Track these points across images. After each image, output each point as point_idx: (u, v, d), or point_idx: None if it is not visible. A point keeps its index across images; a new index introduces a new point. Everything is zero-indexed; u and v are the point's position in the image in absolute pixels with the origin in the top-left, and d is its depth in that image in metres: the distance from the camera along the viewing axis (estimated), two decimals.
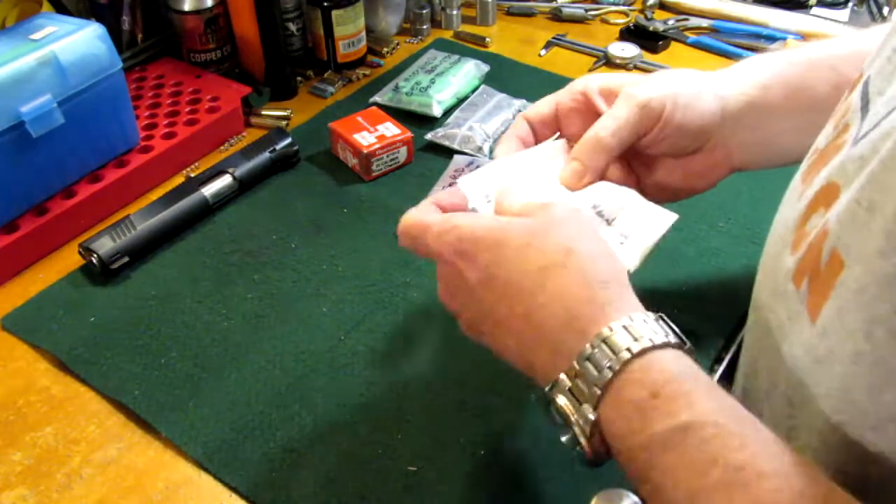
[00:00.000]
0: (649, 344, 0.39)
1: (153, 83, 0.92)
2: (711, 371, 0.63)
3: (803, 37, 1.04)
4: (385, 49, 1.05)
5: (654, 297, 0.68)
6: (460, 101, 0.94)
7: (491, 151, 0.86)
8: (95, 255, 0.71)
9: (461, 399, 0.60)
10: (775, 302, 0.42)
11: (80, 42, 0.74)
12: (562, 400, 0.41)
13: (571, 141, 0.56)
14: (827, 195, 0.39)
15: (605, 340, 0.40)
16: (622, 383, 0.39)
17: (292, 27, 0.98)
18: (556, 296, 0.42)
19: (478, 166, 0.80)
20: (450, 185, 0.79)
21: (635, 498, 0.41)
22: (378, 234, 0.76)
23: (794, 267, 0.40)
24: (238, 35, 0.96)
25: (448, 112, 0.92)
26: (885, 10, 1.10)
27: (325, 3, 0.95)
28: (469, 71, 0.96)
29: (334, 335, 0.66)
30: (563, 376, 0.41)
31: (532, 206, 0.47)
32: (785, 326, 0.40)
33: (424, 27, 1.09)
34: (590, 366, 0.40)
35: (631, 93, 0.53)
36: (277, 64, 0.96)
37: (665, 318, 0.42)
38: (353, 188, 0.83)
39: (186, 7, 0.92)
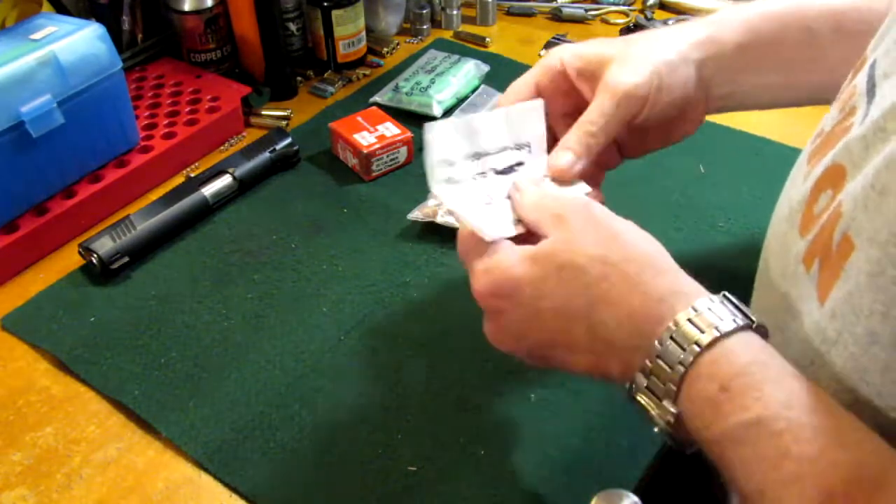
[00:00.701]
0: (717, 334, 0.39)
1: (153, 83, 0.92)
2: None
3: None
4: (385, 49, 1.05)
5: None
6: (460, 101, 0.94)
7: None
8: (95, 255, 0.71)
9: (461, 399, 0.60)
10: (785, 283, 0.42)
11: (80, 42, 0.74)
12: (642, 398, 0.42)
13: (555, 120, 0.57)
14: (833, 176, 0.39)
15: (672, 337, 0.40)
16: (693, 378, 0.39)
17: (292, 27, 0.98)
18: (610, 308, 0.43)
19: None
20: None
21: (635, 498, 0.41)
22: (378, 234, 0.76)
23: (805, 249, 0.40)
24: (238, 35, 0.96)
25: (448, 112, 0.92)
26: None
27: (325, 3, 0.96)
28: (469, 71, 0.96)
29: (334, 335, 0.66)
30: (639, 375, 0.41)
31: (548, 218, 0.47)
32: (794, 307, 0.41)
33: (424, 27, 1.09)
34: (662, 363, 0.40)
35: (614, 83, 0.53)
36: (277, 64, 0.96)
37: (729, 296, 0.42)
38: (353, 188, 0.83)
39: (186, 7, 0.92)
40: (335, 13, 0.96)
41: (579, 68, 0.56)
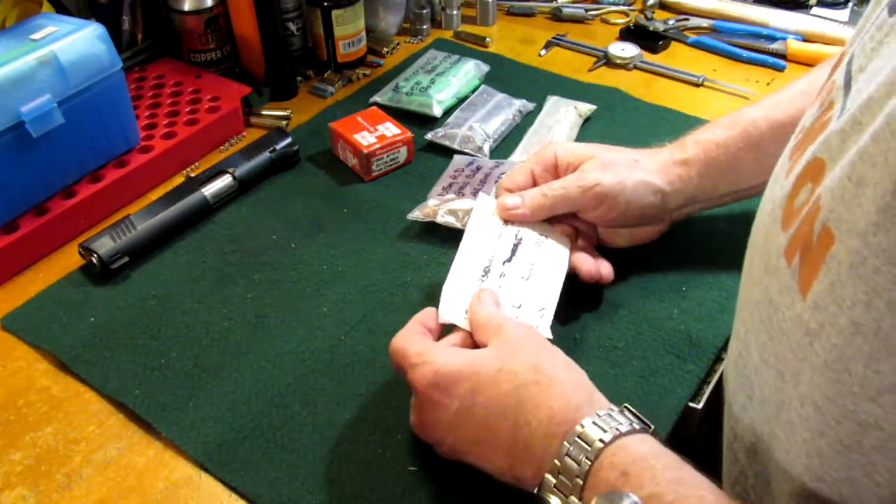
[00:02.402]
0: (617, 433, 0.45)
1: (153, 83, 0.92)
2: (713, 371, 0.63)
3: (803, 37, 1.04)
4: (385, 49, 1.05)
5: (654, 298, 0.68)
6: (460, 101, 0.94)
7: (491, 152, 0.86)
8: (95, 255, 0.71)
9: None
10: (766, 277, 0.43)
11: (80, 42, 0.74)
12: (552, 497, 0.46)
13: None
14: (813, 170, 0.39)
15: (579, 436, 0.46)
16: (597, 469, 0.44)
17: (292, 27, 0.98)
18: (535, 410, 0.48)
19: (478, 167, 0.80)
20: (449, 185, 0.79)
21: (635, 498, 0.41)
22: (378, 234, 0.76)
23: (786, 243, 0.40)
24: (238, 35, 0.96)
25: (448, 112, 0.92)
26: None
27: (325, 3, 0.96)
28: (469, 71, 0.96)
29: (334, 335, 0.66)
30: (548, 476, 0.46)
31: (492, 325, 0.54)
32: (775, 301, 0.41)
33: (424, 27, 1.09)
34: (569, 461, 0.45)
35: (587, 176, 0.64)
36: (277, 64, 0.96)
37: (629, 407, 0.48)
38: (353, 188, 0.83)
39: (186, 7, 0.92)
40: (335, 13, 0.96)
41: (567, 164, 0.66)
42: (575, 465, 0.45)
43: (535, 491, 0.47)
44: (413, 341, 0.54)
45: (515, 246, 0.64)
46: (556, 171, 0.67)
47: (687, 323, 0.66)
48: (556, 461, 0.46)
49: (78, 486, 0.56)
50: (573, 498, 0.45)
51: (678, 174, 0.66)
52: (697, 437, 0.63)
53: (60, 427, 0.60)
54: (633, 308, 0.67)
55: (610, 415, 0.47)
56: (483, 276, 0.62)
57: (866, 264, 0.33)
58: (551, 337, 0.58)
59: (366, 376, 0.63)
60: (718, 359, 0.64)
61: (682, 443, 0.61)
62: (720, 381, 0.63)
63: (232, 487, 0.55)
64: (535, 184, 0.67)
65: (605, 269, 0.66)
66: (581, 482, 0.44)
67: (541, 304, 0.60)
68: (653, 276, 0.70)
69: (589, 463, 0.44)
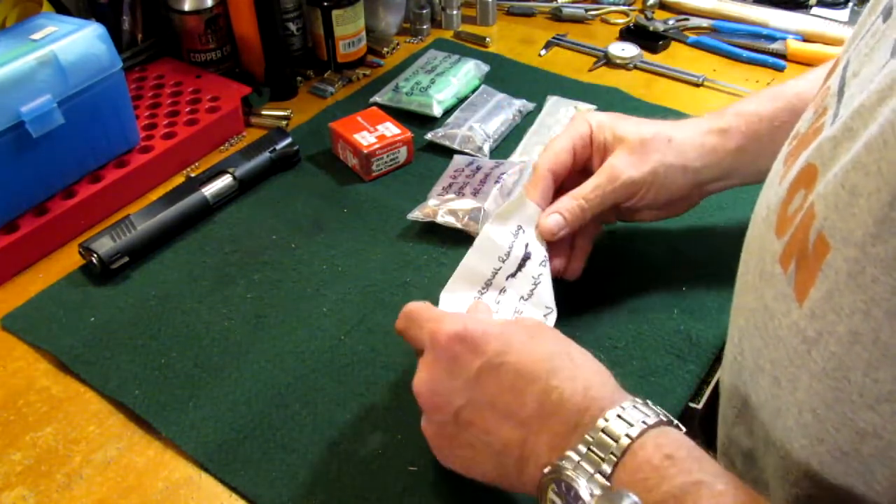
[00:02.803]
0: (661, 419, 0.43)
1: (153, 83, 0.92)
2: (713, 371, 0.63)
3: (803, 37, 1.04)
4: (385, 49, 1.05)
5: (654, 298, 0.68)
6: (460, 101, 0.94)
7: (491, 152, 0.86)
8: (95, 255, 0.71)
9: None
10: (761, 284, 0.43)
11: (80, 42, 0.74)
12: (570, 474, 0.42)
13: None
14: (806, 176, 0.39)
15: (619, 416, 0.43)
16: (638, 448, 0.42)
17: (292, 27, 0.98)
18: (569, 378, 0.46)
19: (478, 167, 0.80)
20: (449, 185, 0.79)
21: (635, 498, 0.41)
22: (378, 234, 0.76)
23: (781, 250, 0.40)
24: (238, 35, 0.96)
25: (448, 112, 0.92)
26: None
27: (325, 3, 0.96)
28: (469, 71, 0.96)
29: (334, 335, 0.66)
30: (570, 452, 0.43)
31: (499, 323, 0.51)
32: (770, 308, 0.41)
33: (424, 27, 1.09)
34: (605, 438, 0.42)
35: (617, 171, 0.61)
36: (277, 64, 0.96)
37: (664, 410, 0.46)
38: (353, 188, 0.83)
39: (186, 7, 0.92)
40: (335, 13, 0.96)
41: (601, 140, 0.64)
42: (612, 442, 0.42)
43: (547, 471, 0.43)
44: (427, 304, 0.53)
45: (523, 262, 0.62)
46: (591, 144, 0.64)
47: (687, 323, 0.66)
48: (587, 436, 0.43)
49: (78, 486, 0.56)
50: (598, 476, 0.41)
51: (713, 147, 0.63)
52: (697, 437, 0.63)
53: (60, 427, 0.60)
54: (633, 308, 0.67)
55: (648, 405, 0.45)
56: (483, 289, 0.61)
57: (865, 274, 0.33)
58: None
59: (366, 376, 0.63)
60: (718, 359, 0.64)
61: None
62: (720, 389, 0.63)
63: (232, 487, 0.55)
64: (574, 156, 0.64)
65: (571, 267, 0.65)
66: (615, 458, 0.41)
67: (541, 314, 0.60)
68: (653, 276, 0.70)
69: (629, 440, 0.41)
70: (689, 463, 0.41)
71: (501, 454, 0.47)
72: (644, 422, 0.42)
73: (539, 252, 0.62)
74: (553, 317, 0.60)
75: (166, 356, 0.65)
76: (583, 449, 0.42)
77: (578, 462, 0.42)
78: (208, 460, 0.57)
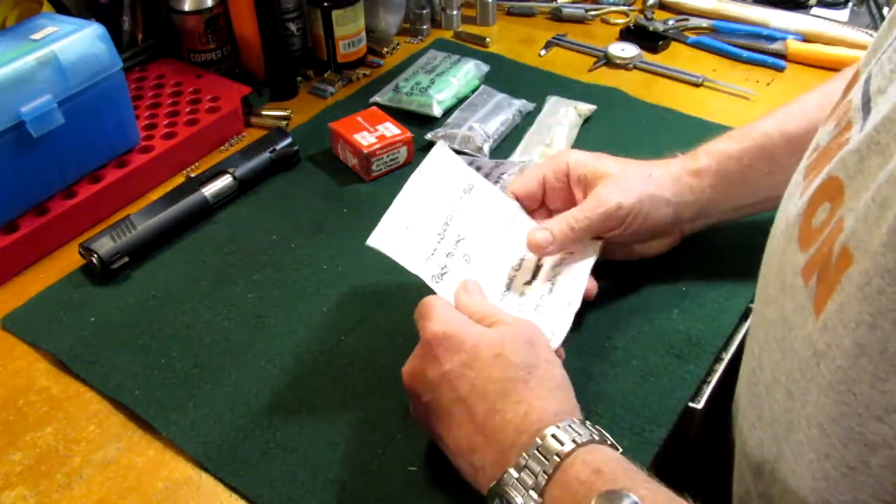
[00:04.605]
0: (589, 439, 0.46)
1: (153, 83, 0.92)
2: (713, 371, 0.63)
3: (803, 37, 1.04)
4: (385, 49, 1.05)
5: (654, 298, 0.68)
6: (460, 101, 0.94)
7: (491, 152, 0.86)
8: (95, 255, 0.71)
9: None
10: (782, 296, 0.43)
11: (80, 42, 0.74)
12: (510, 490, 0.46)
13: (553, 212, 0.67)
14: (829, 189, 0.39)
15: (553, 435, 0.46)
16: (568, 466, 0.45)
17: (292, 27, 0.98)
18: (515, 403, 0.49)
19: (478, 167, 0.80)
20: None
21: (635, 498, 0.41)
22: None
23: (804, 262, 0.40)
24: (238, 35, 0.96)
25: (448, 112, 0.92)
26: (885, 10, 1.10)
27: (325, 3, 0.96)
28: (469, 71, 0.96)
29: (334, 335, 0.66)
30: (511, 470, 0.46)
31: (499, 316, 0.54)
32: (789, 320, 0.41)
33: (424, 27, 1.09)
34: (537, 455, 0.45)
35: (605, 198, 0.63)
36: (277, 64, 0.96)
37: (602, 430, 0.48)
38: (353, 188, 0.83)
39: (186, 7, 0.92)
40: (335, 13, 0.96)
41: (580, 175, 0.66)
42: (543, 461, 0.45)
43: (492, 485, 0.46)
44: (442, 301, 0.55)
45: (538, 269, 0.65)
46: (567, 181, 0.66)
47: (687, 323, 0.66)
48: (523, 455, 0.46)
49: (78, 486, 0.56)
50: (532, 493, 0.45)
51: (690, 185, 0.65)
52: (697, 437, 0.63)
53: (60, 427, 0.60)
54: (633, 308, 0.67)
55: (585, 424, 0.47)
56: (504, 292, 0.63)
57: (871, 285, 0.33)
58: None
59: (366, 376, 0.63)
60: (718, 359, 0.64)
61: (682, 443, 0.61)
62: (720, 381, 0.63)
63: (232, 487, 0.55)
64: (544, 190, 0.67)
65: (589, 284, 0.65)
66: (546, 477, 0.44)
67: (552, 325, 0.60)
68: (653, 275, 0.70)
69: (558, 460, 0.44)
70: (617, 474, 0.43)
71: (463, 454, 0.51)
72: (574, 440, 0.45)
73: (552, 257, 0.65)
74: (558, 340, 0.59)
75: (166, 356, 0.65)
76: (521, 463, 0.46)
77: (516, 479, 0.46)
78: (208, 460, 0.57)
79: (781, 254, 0.44)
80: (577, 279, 0.63)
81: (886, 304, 0.33)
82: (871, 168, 0.36)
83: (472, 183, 0.66)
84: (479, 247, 0.63)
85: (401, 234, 0.61)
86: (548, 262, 0.65)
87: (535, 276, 0.64)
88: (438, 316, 0.53)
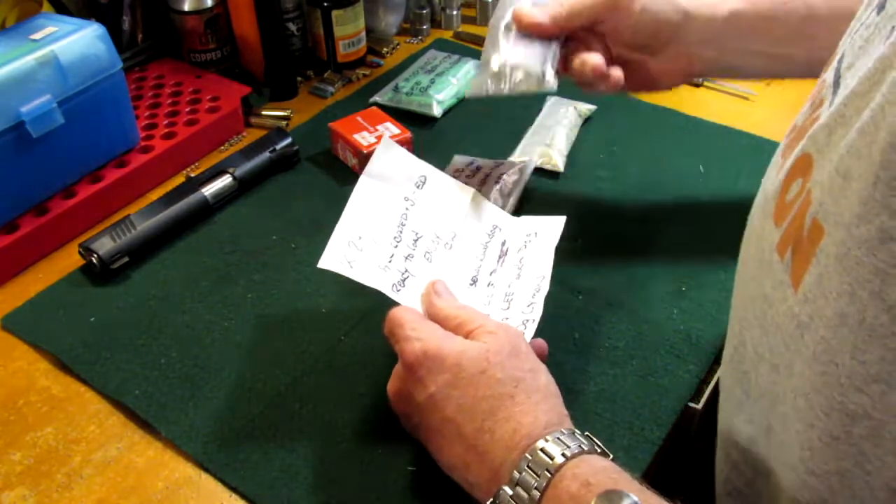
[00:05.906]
0: (578, 450, 0.46)
1: (153, 83, 0.92)
2: (712, 371, 0.63)
3: None
4: (385, 49, 1.05)
5: (654, 298, 0.68)
6: (460, 101, 0.94)
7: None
8: (95, 255, 0.71)
9: None
10: (760, 273, 0.43)
11: (80, 42, 0.74)
12: None
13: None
14: (802, 165, 0.40)
15: (542, 450, 0.46)
16: (559, 480, 0.44)
17: (292, 27, 0.98)
18: (503, 420, 0.48)
19: (478, 167, 0.80)
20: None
21: (635, 498, 0.41)
22: None
23: (779, 238, 0.41)
24: (238, 35, 0.96)
25: (448, 112, 0.92)
26: None
27: (325, 3, 0.96)
28: (469, 71, 0.96)
29: (334, 335, 0.66)
30: (505, 488, 0.46)
31: (478, 322, 0.53)
32: (769, 296, 0.42)
33: (424, 27, 1.09)
34: (528, 472, 0.45)
35: None
36: (277, 64, 0.96)
37: (591, 436, 0.48)
38: (352, 188, 0.82)
39: (186, 7, 0.92)
40: (335, 13, 0.96)
41: None
42: (536, 477, 0.45)
43: (489, 502, 0.47)
44: (411, 314, 0.54)
45: (502, 255, 0.63)
46: None
47: (687, 323, 0.66)
48: (514, 472, 0.46)
49: (78, 486, 0.56)
50: None
51: (710, 1, 0.61)
52: (697, 437, 0.63)
53: (60, 427, 0.60)
54: (633, 308, 0.67)
55: (574, 435, 0.47)
56: (471, 284, 0.61)
57: (850, 256, 0.34)
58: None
59: (366, 376, 0.63)
60: (718, 359, 0.64)
61: (682, 443, 0.62)
62: (720, 381, 0.63)
63: (232, 487, 0.56)
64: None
65: (615, 71, 0.62)
66: (538, 494, 0.44)
67: (525, 315, 0.59)
68: (653, 275, 0.70)
69: (549, 475, 0.44)
70: (605, 484, 0.43)
71: (457, 470, 0.51)
72: (564, 454, 0.45)
73: (516, 240, 0.64)
74: (531, 328, 0.58)
75: (166, 356, 0.65)
76: (514, 479, 0.46)
77: (510, 496, 0.45)
78: (208, 460, 0.57)
79: (759, 231, 0.45)
80: (543, 260, 0.61)
81: (864, 274, 0.33)
82: (836, 141, 0.36)
83: (425, 174, 0.64)
84: (439, 241, 0.61)
85: (353, 247, 0.59)
86: (512, 246, 0.63)
87: (500, 262, 0.62)
88: (414, 333, 0.52)
